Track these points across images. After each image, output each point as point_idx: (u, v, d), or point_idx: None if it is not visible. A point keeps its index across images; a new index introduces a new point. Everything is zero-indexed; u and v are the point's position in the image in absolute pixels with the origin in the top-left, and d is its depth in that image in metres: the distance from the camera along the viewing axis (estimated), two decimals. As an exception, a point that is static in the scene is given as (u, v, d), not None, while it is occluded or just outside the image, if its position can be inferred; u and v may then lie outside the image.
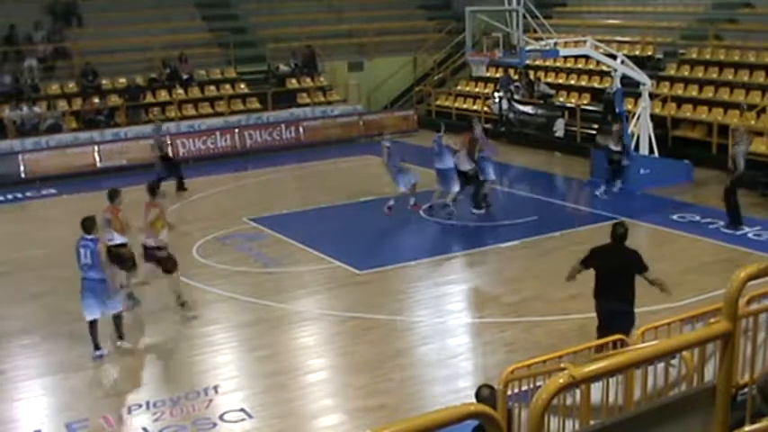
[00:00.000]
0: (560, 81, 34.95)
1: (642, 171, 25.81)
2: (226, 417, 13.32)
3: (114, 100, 34.15)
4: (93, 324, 15.84)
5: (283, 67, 37.63)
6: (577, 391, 9.11)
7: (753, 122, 26.94)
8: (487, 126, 34.09)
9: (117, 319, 16.17)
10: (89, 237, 15.80)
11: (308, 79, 37.74)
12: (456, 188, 23.37)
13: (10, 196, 28.36)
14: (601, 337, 12.98)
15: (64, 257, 21.37)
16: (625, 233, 13.56)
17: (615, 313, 13.15)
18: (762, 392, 6.80)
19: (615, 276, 13.39)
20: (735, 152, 21.44)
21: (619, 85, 26.10)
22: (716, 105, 28.73)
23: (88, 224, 15.93)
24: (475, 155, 23.60)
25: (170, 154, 28.94)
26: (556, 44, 26.29)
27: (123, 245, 17.61)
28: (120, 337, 16.21)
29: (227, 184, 28.34)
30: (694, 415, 5.70)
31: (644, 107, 26.39)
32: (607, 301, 13.37)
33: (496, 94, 34.13)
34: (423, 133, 35.74)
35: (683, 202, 24.04)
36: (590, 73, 34.03)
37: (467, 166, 23.45)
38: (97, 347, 15.77)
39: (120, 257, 17.45)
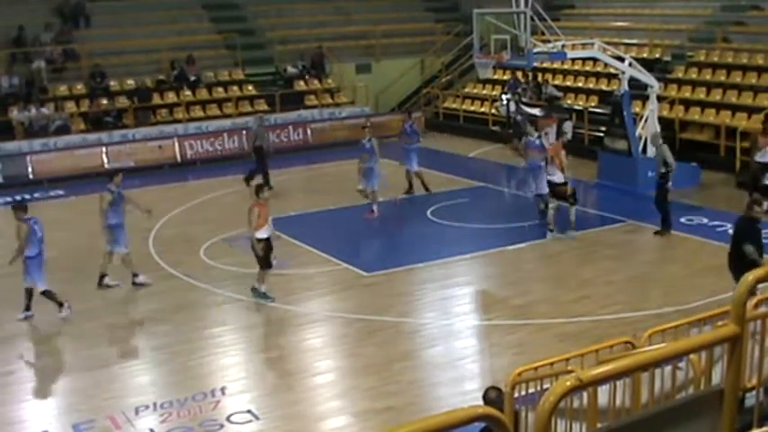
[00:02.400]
0: (568, 83, 34.94)
1: (650, 174, 25.74)
2: (233, 418, 13.34)
3: (122, 101, 34.21)
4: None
5: (291, 69, 37.66)
6: (584, 394, 9.10)
7: (761, 125, 26.88)
8: (495, 128, 34.19)
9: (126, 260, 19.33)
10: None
11: (316, 81, 37.78)
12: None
13: (18, 197, 28.37)
14: None
15: (72, 258, 21.51)
16: (751, 203, 15.13)
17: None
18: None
19: (733, 244, 15.11)
20: (662, 152, 21.63)
21: (626, 88, 26.08)
22: (724, 108, 28.69)
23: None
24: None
25: (265, 147, 28.56)
26: (563, 46, 26.25)
27: (258, 240, 18.02)
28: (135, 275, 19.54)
29: (234, 185, 28.32)
30: (702, 418, 5.69)
31: (651, 110, 26.35)
32: (730, 268, 14.96)
33: (504, 97, 34.12)
34: (430, 135, 35.75)
35: (690, 205, 24.01)
36: (597, 75, 34.02)
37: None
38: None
39: (253, 251, 18.14)
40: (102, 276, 19.57)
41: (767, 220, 16.48)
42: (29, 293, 17.75)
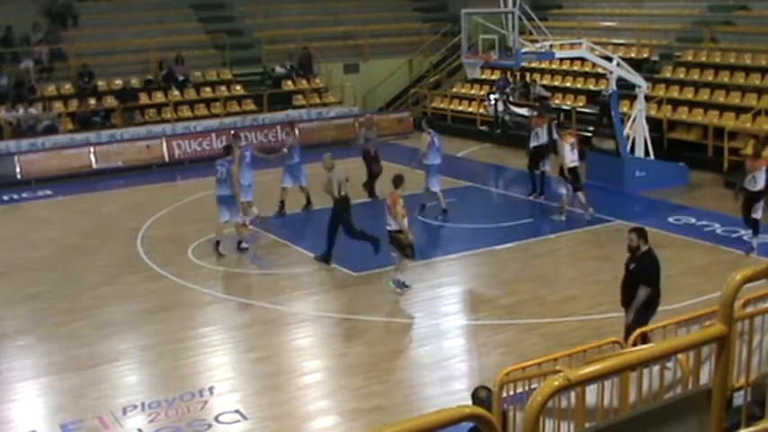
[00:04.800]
0: (556, 83, 34.95)
1: (638, 174, 25.84)
2: (221, 418, 13.33)
3: (110, 101, 34.14)
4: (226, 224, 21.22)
5: (279, 69, 37.63)
6: (572, 394, 9.11)
7: (749, 125, 26.97)
8: (483, 128, 34.20)
9: (238, 227, 21.54)
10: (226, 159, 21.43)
11: (304, 81, 37.73)
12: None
13: (6, 197, 28.33)
14: None
15: (60, 258, 21.48)
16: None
17: None
18: (755, 395, 6.82)
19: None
20: (333, 180, 20.59)
21: (614, 88, 26.11)
22: (711, 108, 28.74)
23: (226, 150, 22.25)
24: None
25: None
26: (551, 46, 26.31)
27: (400, 231, 18.05)
28: (240, 242, 21.52)
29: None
30: (690, 418, 5.70)
31: (639, 110, 26.40)
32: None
33: (492, 96, 34.14)
34: (418, 135, 35.71)
35: (678, 205, 24.04)
36: (585, 75, 34.03)
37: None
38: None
39: (398, 242, 18.18)
40: (239, 243, 21.57)
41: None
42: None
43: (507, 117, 33.28)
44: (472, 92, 37.15)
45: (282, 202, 24.72)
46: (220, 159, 21.76)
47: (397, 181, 18.51)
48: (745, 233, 20.84)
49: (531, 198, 25.48)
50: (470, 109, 36.13)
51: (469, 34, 27.00)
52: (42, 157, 30.72)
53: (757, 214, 19.66)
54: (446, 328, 17.06)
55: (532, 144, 25.62)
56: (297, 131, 26.58)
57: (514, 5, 24.70)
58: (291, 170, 24.72)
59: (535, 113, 27.32)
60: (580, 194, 23.23)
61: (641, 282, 13.61)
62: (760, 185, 19.59)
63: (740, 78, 29.27)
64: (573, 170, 23.10)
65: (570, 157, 22.97)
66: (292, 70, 37.72)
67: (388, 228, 18.17)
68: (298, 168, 24.82)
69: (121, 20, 36.76)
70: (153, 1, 38.78)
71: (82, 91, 33.98)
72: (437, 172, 24.06)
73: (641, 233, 13.80)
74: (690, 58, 31.31)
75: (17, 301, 18.89)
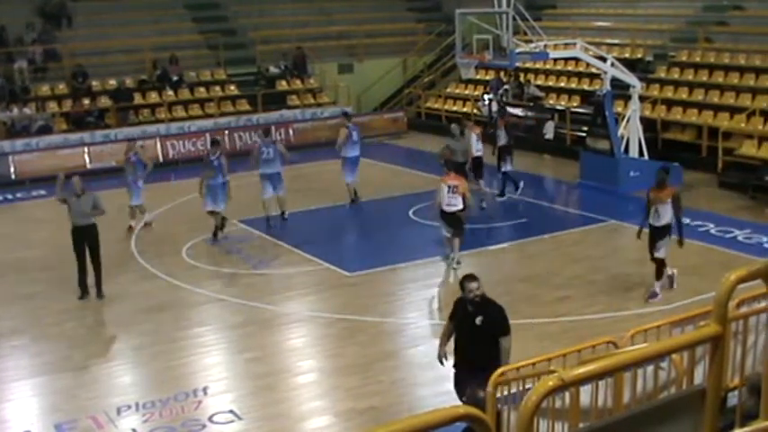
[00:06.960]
0: (550, 83, 34.96)
1: (632, 174, 25.82)
2: (215, 418, 13.31)
3: (104, 101, 34.12)
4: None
5: (273, 69, 37.64)
6: (567, 394, 9.11)
7: (743, 125, 26.98)
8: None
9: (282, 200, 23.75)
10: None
11: (298, 81, 37.75)
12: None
13: (0, 197, 28.31)
14: None
15: (55, 258, 21.43)
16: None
17: None
18: (753, 389, 6.82)
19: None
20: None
21: (609, 88, 26.12)
22: (706, 108, 28.75)
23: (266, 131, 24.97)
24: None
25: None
26: (545, 46, 26.29)
27: (462, 210, 19.15)
28: (283, 212, 23.86)
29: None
30: (684, 418, 5.69)
31: (634, 110, 26.38)
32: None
33: (486, 96, 34.13)
34: (412, 135, 35.77)
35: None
36: (580, 75, 34.05)
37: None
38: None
39: (459, 222, 19.40)
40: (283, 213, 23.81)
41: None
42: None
43: (501, 117, 33.24)
44: (466, 92, 37.19)
45: (220, 225, 22.76)
46: (263, 143, 24.08)
47: (448, 165, 19.93)
48: (740, 233, 20.91)
49: (515, 196, 25.40)
50: (465, 109, 36.13)
51: (464, 34, 27.03)
52: (36, 157, 30.73)
53: (660, 253, 17.27)
54: (440, 328, 17.02)
55: (498, 144, 25.51)
56: (142, 146, 26.65)
57: (508, 5, 24.68)
58: (214, 190, 22.44)
59: (500, 114, 27.60)
60: (481, 182, 24.61)
61: (500, 333, 11.39)
62: (665, 220, 17.12)
63: (734, 78, 29.28)
64: (478, 159, 24.29)
65: (476, 146, 24.21)
66: (286, 70, 37.74)
67: (453, 209, 19.12)
68: (221, 189, 22.58)
69: (115, 20, 36.76)
70: (147, 1, 38.79)
71: (76, 91, 33.97)
72: (353, 164, 25.44)
73: (478, 279, 11.57)
74: (684, 59, 31.31)
75: (12, 300, 18.89)
